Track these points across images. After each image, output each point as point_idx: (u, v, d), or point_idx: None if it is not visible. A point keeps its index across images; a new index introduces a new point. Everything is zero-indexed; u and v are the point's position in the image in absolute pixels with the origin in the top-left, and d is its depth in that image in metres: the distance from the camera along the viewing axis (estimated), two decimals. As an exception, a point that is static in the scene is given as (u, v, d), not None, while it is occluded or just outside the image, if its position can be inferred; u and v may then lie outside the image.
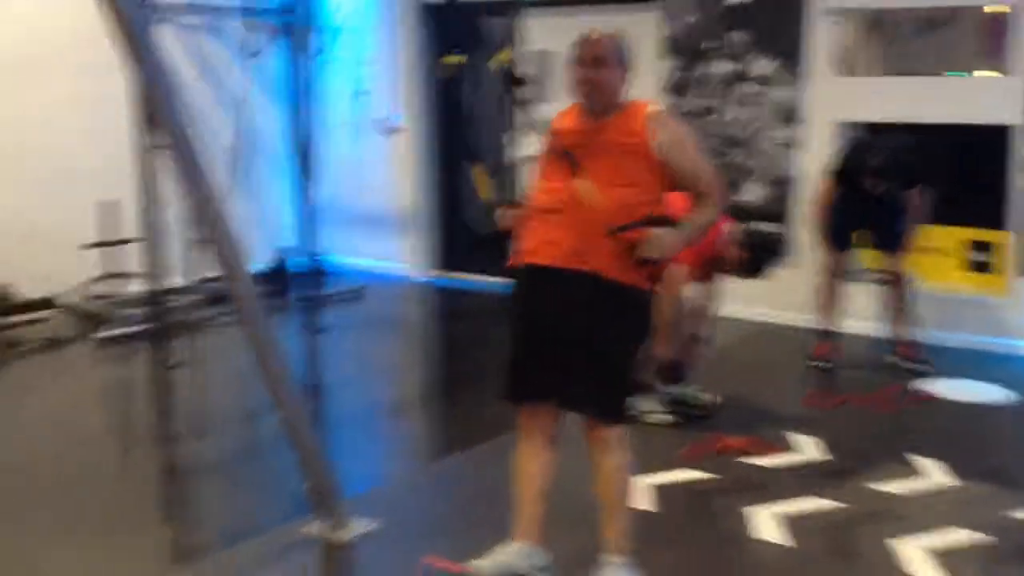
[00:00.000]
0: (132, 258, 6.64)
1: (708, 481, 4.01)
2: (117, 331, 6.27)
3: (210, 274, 6.50)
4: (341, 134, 8.18)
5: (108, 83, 6.08)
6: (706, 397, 4.78)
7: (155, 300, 6.40)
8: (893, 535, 3.49)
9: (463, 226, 8.06)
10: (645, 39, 6.35)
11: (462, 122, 7.97)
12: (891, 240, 5.48)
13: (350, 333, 6.77)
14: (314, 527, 3.46)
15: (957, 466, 4.11)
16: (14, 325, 6.50)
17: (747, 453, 4.27)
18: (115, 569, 3.41)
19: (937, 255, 6.06)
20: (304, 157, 7.97)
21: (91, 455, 4.47)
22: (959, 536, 3.51)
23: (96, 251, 6.65)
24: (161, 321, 6.33)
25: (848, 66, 6.31)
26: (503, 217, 3.21)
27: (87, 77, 6.63)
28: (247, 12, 7.73)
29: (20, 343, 6.22)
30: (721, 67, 6.62)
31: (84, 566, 3.43)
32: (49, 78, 6.69)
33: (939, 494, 3.89)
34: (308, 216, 8.05)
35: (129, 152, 6.38)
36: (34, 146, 6.68)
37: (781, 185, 6.49)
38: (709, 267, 4.71)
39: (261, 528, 3.60)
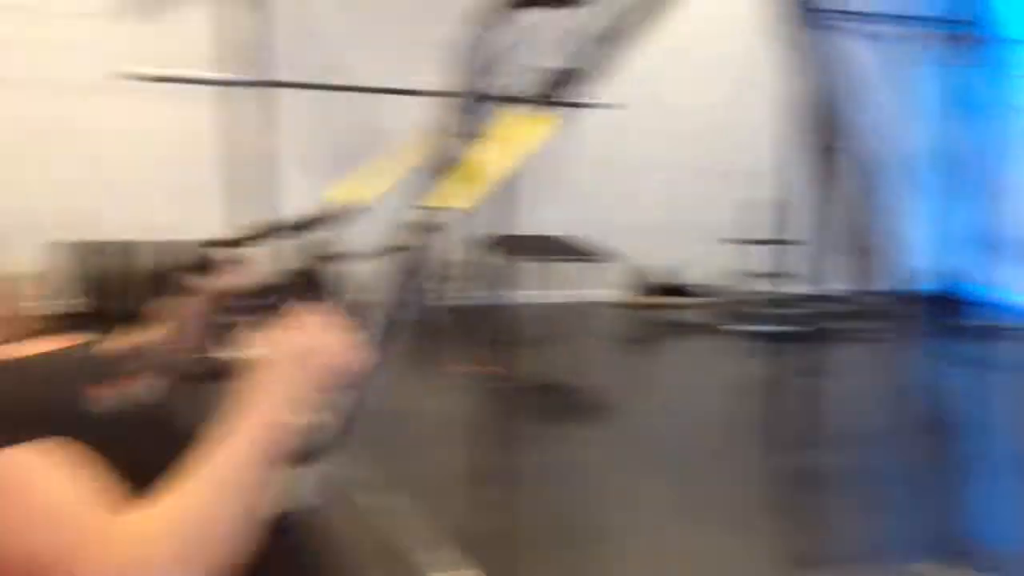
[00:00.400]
0: (777, 258, 6.71)
1: None
2: (761, 328, 6.38)
3: (855, 285, 6.34)
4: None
5: (767, 84, 6.20)
6: None
7: (801, 303, 6.38)
8: None
9: None
10: None
11: None
12: None
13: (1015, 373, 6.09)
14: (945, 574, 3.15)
15: None
16: (660, 307, 6.99)
17: None
18: (725, 562, 3.43)
19: None
20: (961, 176, 7.42)
21: (720, 444, 4.60)
22: None
23: (742, 248, 6.93)
24: (805, 324, 6.30)
25: None
26: None
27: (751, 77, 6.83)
28: (914, 20, 7.41)
29: (669, 325, 6.66)
30: None
31: (697, 551, 3.50)
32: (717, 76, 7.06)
33: None
34: (963, 241, 7.45)
35: (781, 154, 6.43)
36: (687, 142, 7.11)
37: None
38: None
39: (881, 555, 3.40)
